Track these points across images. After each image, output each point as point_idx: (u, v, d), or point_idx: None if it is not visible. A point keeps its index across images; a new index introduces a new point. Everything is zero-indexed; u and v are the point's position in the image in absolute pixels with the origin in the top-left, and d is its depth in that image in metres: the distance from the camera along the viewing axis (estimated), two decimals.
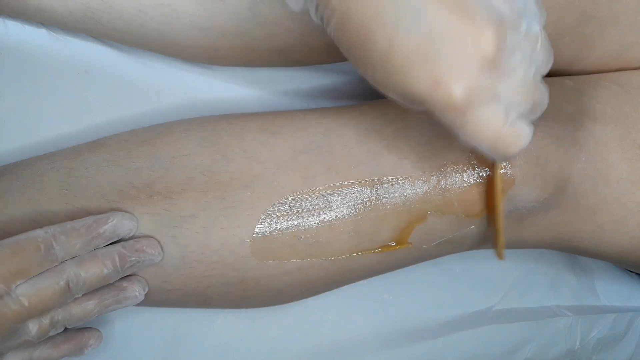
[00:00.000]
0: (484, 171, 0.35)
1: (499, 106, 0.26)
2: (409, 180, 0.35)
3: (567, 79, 0.40)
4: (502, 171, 0.35)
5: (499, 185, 0.35)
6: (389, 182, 0.35)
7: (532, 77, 0.27)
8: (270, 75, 0.47)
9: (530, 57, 0.27)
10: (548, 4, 0.37)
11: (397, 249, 0.37)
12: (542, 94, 0.28)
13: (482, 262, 0.49)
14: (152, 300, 0.37)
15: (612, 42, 0.40)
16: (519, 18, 0.26)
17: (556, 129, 0.36)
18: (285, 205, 0.35)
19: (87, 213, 0.34)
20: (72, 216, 0.34)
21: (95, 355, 0.42)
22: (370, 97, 0.42)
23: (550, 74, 0.41)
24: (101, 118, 0.44)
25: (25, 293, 0.30)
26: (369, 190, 0.35)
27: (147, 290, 0.35)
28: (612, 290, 0.52)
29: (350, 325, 0.46)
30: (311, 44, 0.40)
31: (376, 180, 0.35)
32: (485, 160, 0.35)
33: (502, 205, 0.35)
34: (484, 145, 0.27)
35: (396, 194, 0.35)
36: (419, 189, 0.35)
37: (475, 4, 0.25)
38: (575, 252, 0.42)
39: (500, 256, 0.37)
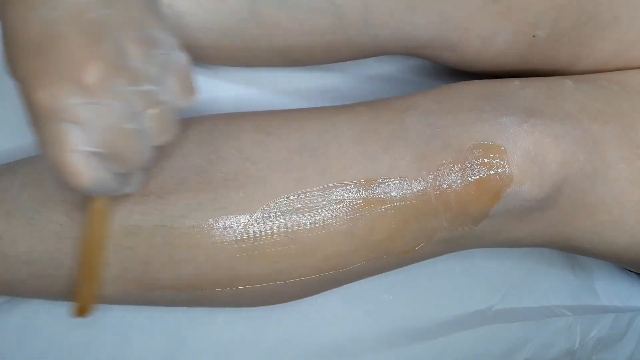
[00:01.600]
0: (483, 171, 0.35)
1: (75, 132, 0.27)
2: (405, 180, 0.35)
3: (566, 78, 0.40)
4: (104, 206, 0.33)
5: (97, 218, 0.33)
6: (385, 182, 0.35)
7: (125, 128, 0.28)
8: (270, 75, 0.47)
9: (137, 115, 0.28)
10: (548, 4, 0.37)
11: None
12: (131, 151, 0.29)
13: (482, 262, 0.49)
14: (147, 299, 0.37)
15: (612, 42, 0.40)
16: (144, 79, 0.28)
17: (555, 128, 0.36)
18: (278, 205, 0.35)
19: (82, 211, 0.34)
20: (71, 214, 0.34)
21: (95, 355, 0.42)
22: (368, 97, 0.42)
23: (550, 74, 0.42)
24: None
25: None
26: (363, 190, 0.35)
27: None
28: (612, 290, 0.52)
29: (350, 325, 0.46)
30: (311, 44, 0.40)
31: (371, 180, 0.35)
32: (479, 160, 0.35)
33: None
34: (51, 162, 0.28)
35: (392, 194, 0.35)
36: (416, 189, 0.35)
37: (108, 37, 0.27)
38: (574, 251, 0.42)
39: (79, 312, 0.34)
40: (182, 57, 0.30)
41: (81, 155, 0.27)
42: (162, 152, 0.35)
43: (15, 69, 0.27)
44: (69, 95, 0.26)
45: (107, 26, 0.27)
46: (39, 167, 0.37)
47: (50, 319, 0.42)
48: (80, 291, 0.34)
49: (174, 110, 0.30)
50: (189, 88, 0.31)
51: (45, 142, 0.27)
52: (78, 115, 0.26)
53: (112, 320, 0.43)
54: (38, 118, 0.27)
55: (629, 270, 0.52)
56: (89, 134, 0.27)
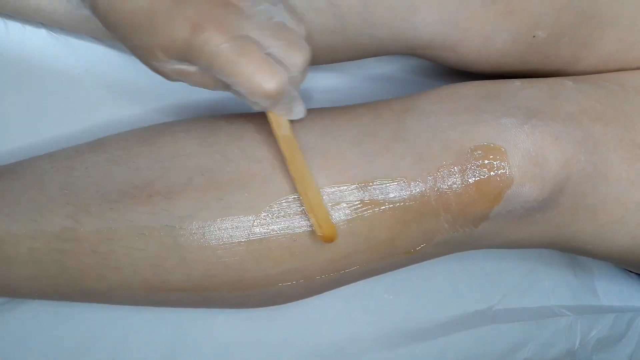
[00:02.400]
0: (483, 173, 0.35)
1: (249, 42, 0.30)
2: (404, 181, 0.35)
3: (566, 78, 0.40)
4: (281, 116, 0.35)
5: (287, 145, 0.34)
6: (384, 183, 0.35)
7: (278, 20, 0.32)
8: None
9: (277, 10, 0.32)
10: (548, 4, 0.37)
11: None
12: (295, 38, 0.32)
13: (482, 262, 0.49)
14: (152, 300, 0.37)
15: (612, 42, 0.40)
16: None
17: (555, 128, 0.36)
18: (281, 206, 0.35)
19: (88, 213, 0.34)
20: (73, 216, 0.34)
21: (95, 355, 0.42)
22: (368, 98, 0.42)
23: (550, 74, 0.41)
24: (101, 118, 0.44)
25: None
26: (364, 191, 0.35)
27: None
28: (612, 290, 0.52)
29: (350, 325, 0.46)
30: (311, 44, 0.40)
31: (370, 182, 0.35)
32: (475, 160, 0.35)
33: (296, 153, 0.34)
34: (242, 81, 0.30)
35: (391, 195, 0.35)
36: (415, 190, 0.35)
37: None
38: (575, 252, 0.42)
39: (324, 238, 0.34)
40: None
41: (264, 58, 0.30)
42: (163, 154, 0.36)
43: (164, 41, 0.30)
44: (224, 17, 0.30)
45: None
46: (40, 168, 0.37)
47: (50, 319, 0.42)
48: (315, 219, 0.34)
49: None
50: None
51: (232, 68, 0.30)
52: (241, 27, 0.30)
53: (112, 320, 0.43)
54: (212, 52, 0.30)
55: (629, 271, 0.52)
56: (261, 41, 0.30)
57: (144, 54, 0.32)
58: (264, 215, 0.34)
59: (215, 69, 0.30)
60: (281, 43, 0.31)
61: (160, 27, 0.30)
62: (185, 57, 0.31)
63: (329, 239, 0.34)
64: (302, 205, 0.34)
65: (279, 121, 0.34)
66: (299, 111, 0.35)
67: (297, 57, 0.32)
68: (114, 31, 0.32)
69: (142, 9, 0.30)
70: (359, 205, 0.35)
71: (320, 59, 0.42)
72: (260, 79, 0.30)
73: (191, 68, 0.32)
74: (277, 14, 0.32)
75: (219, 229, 0.34)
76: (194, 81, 0.33)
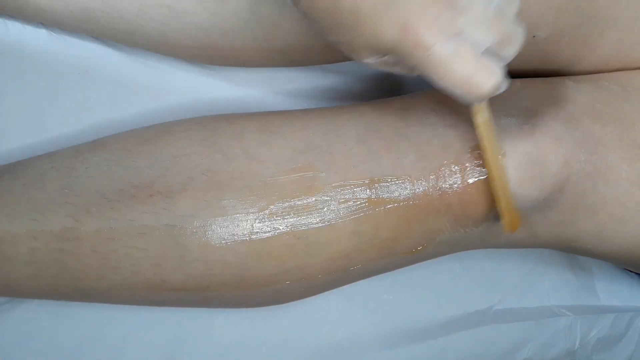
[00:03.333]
0: (483, 172, 0.35)
1: (464, 42, 0.28)
2: (408, 180, 0.35)
3: (566, 78, 0.40)
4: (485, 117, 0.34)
5: (486, 130, 0.34)
6: (389, 181, 0.35)
7: (493, 10, 0.28)
8: (270, 75, 0.47)
9: None
10: (548, 4, 0.37)
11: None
12: (509, 28, 0.29)
13: (482, 262, 0.49)
14: (153, 300, 0.37)
15: (612, 42, 0.40)
16: None
17: (555, 128, 0.36)
18: (284, 204, 0.35)
19: (88, 213, 0.34)
20: (73, 216, 0.34)
21: (95, 355, 0.42)
22: (370, 97, 0.42)
23: (550, 74, 0.41)
24: (101, 118, 0.44)
25: None
26: (368, 190, 0.35)
27: None
28: (612, 290, 0.52)
29: (350, 325, 0.47)
30: (311, 44, 0.40)
31: (376, 180, 0.35)
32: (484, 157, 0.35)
33: (497, 158, 0.34)
34: (456, 84, 0.28)
35: (395, 194, 0.35)
36: (419, 188, 0.35)
37: None
38: (575, 252, 0.42)
39: (509, 226, 0.35)
40: None
41: (478, 59, 0.28)
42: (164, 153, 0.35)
43: (379, 31, 0.28)
44: (438, 15, 0.27)
45: None
46: (40, 168, 0.37)
47: (50, 319, 0.42)
48: (504, 207, 0.35)
49: None
50: None
51: (445, 70, 0.28)
52: (456, 26, 0.28)
53: (112, 320, 0.43)
54: (425, 54, 0.28)
55: (629, 270, 0.52)
56: (472, 36, 0.28)
57: (347, 50, 0.31)
58: (266, 215, 0.34)
59: (426, 71, 0.29)
60: (496, 37, 0.29)
61: (366, 27, 0.28)
62: (393, 53, 0.29)
63: (513, 228, 0.35)
64: (344, 202, 0.35)
65: (482, 106, 0.33)
66: (505, 84, 0.31)
67: (512, 49, 0.29)
68: (315, 25, 0.30)
69: (346, 6, 0.28)
70: (365, 203, 0.35)
71: (321, 59, 0.42)
72: (476, 83, 0.28)
73: (398, 62, 0.30)
74: None
75: (220, 228, 0.34)
76: (397, 71, 0.32)
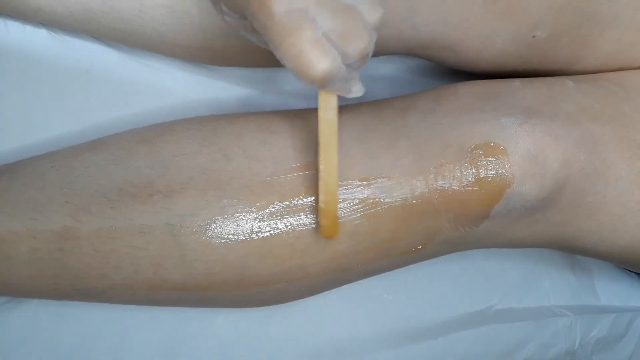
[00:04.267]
0: (483, 172, 0.35)
1: (307, 18, 0.27)
2: (406, 180, 0.35)
3: (566, 78, 0.40)
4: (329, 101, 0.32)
5: (327, 128, 0.32)
6: (387, 182, 0.35)
7: (344, 4, 0.28)
8: (270, 75, 0.47)
9: None
10: (547, 4, 0.37)
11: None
12: (359, 26, 0.28)
13: (482, 262, 0.49)
14: (153, 299, 0.37)
15: (612, 42, 0.40)
16: None
17: (555, 128, 0.36)
18: (284, 204, 0.35)
19: (88, 212, 0.34)
20: (73, 215, 0.34)
21: (95, 355, 0.42)
22: (368, 97, 0.42)
23: (550, 74, 0.42)
24: (101, 118, 0.44)
25: None
26: (366, 189, 0.35)
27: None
28: (612, 290, 0.52)
29: (350, 325, 0.47)
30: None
31: (374, 179, 0.35)
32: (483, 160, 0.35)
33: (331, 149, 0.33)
34: (289, 57, 0.28)
35: (394, 194, 0.35)
36: (418, 188, 0.35)
37: None
38: (575, 251, 0.42)
39: (326, 232, 0.34)
40: None
41: (316, 41, 0.27)
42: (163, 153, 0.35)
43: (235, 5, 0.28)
44: None
45: None
46: (40, 167, 0.37)
47: (50, 319, 0.42)
48: (324, 210, 0.34)
49: None
50: None
51: (282, 34, 0.27)
52: (304, 4, 0.27)
53: (112, 320, 0.43)
54: (276, 27, 0.27)
55: (629, 270, 0.52)
56: (318, 19, 0.27)
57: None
58: (266, 214, 0.34)
59: (267, 37, 0.28)
60: (339, 27, 0.28)
61: None
62: (244, 16, 0.29)
63: (332, 235, 0.34)
64: (343, 202, 0.34)
65: (328, 102, 0.32)
66: (356, 90, 0.31)
67: (351, 48, 0.29)
68: None
69: None
70: (363, 204, 0.35)
71: None
72: (307, 61, 0.27)
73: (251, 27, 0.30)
74: None
75: (220, 227, 0.34)
76: (255, 40, 0.31)
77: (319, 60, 0.27)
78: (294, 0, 0.27)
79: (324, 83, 0.28)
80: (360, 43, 0.29)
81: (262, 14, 0.27)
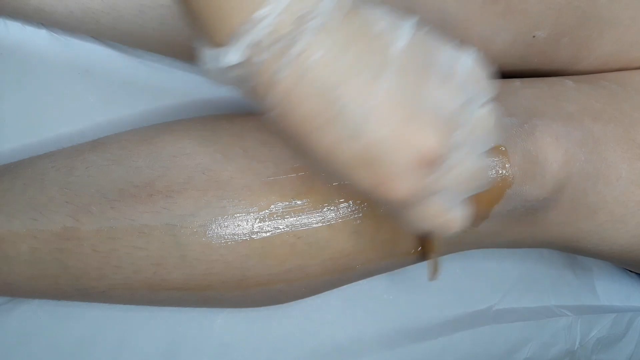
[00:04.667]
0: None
1: (440, 198, 0.27)
2: None
3: (566, 78, 0.40)
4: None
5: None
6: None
7: (478, 163, 0.27)
8: None
9: (478, 141, 0.27)
10: (547, 4, 0.37)
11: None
12: (488, 176, 0.29)
13: (482, 262, 0.49)
14: (153, 299, 0.37)
15: (612, 42, 0.40)
16: (465, 111, 0.26)
17: (556, 128, 0.36)
18: (284, 204, 0.35)
19: (88, 212, 0.34)
20: (74, 215, 0.34)
21: (95, 355, 0.42)
22: None
23: (550, 74, 0.41)
24: (101, 118, 0.44)
25: None
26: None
27: None
28: (612, 290, 0.52)
29: (350, 325, 0.46)
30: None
31: None
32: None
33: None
34: (427, 228, 0.28)
35: None
36: None
37: (419, 108, 0.25)
38: (575, 251, 0.42)
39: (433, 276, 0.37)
40: (470, 56, 0.27)
41: (453, 209, 0.28)
42: (164, 153, 0.35)
43: (354, 183, 0.26)
44: (420, 180, 0.25)
45: (406, 101, 0.24)
46: (41, 167, 0.37)
47: (50, 319, 0.42)
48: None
49: (490, 108, 0.28)
50: (485, 81, 0.28)
51: (418, 221, 0.28)
52: (435, 188, 0.26)
53: (112, 320, 0.43)
54: (402, 209, 0.27)
55: (629, 270, 0.52)
56: (451, 191, 0.27)
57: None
58: (267, 214, 0.34)
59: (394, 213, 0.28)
60: (471, 192, 0.28)
61: (342, 173, 0.26)
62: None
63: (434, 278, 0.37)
64: (344, 202, 0.35)
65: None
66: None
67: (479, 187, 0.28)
68: (283, 134, 0.27)
69: (326, 150, 0.25)
70: (365, 203, 0.35)
71: None
72: (442, 231, 0.28)
73: None
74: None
75: (220, 228, 0.34)
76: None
77: (455, 227, 0.28)
78: (419, 184, 0.25)
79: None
80: (485, 180, 0.29)
81: (382, 196, 0.26)
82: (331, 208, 0.35)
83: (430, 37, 0.26)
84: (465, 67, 0.26)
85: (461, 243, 0.39)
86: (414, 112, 0.24)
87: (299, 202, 0.35)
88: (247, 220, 0.34)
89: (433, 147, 0.25)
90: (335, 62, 0.24)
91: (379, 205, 0.28)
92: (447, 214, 0.27)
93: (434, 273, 0.37)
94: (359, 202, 0.35)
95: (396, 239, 0.36)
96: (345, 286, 0.40)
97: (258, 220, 0.34)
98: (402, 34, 0.25)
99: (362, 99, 0.24)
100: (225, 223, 0.34)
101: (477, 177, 0.28)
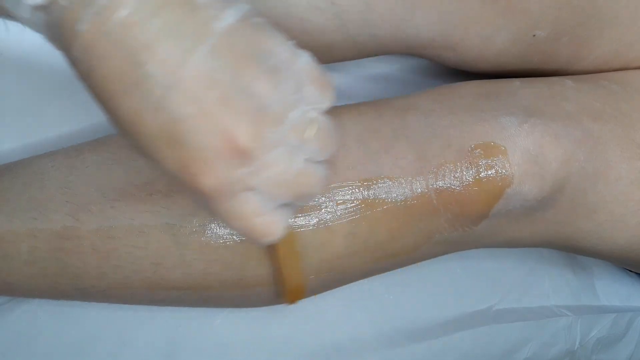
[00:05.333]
0: (483, 171, 0.35)
1: (252, 198, 0.25)
2: (406, 180, 0.35)
3: (566, 78, 0.40)
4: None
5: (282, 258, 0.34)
6: (386, 182, 0.35)
7: (297, 168, 0.25)
8: None
9: (297, 147, 0.25)
10: (548, 3, 0.37)
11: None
12: (311, 182, 0.26)
13: (482, 262, 0.49)
14: (152, 298, 0.37)
15: (612, 42, 0.40)
16: (286, 109, 0.24)
17: (555, 127, 0.36)
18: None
19: (88, 211, 0.34)
20: (73, 214, 0.34)
21: (95, 355, 0.42)
22: (370, 97, 0.42)
23: (549, 73, 0.42)
24: (101, 118, 0.44)
25: None
26: (366, 190, 0.35)
27: None
28: (612, 290, 0.52)
29: (350, 325, 0.46)
30: (311, 44, 0.40)
31: (373, 180, 0.35)
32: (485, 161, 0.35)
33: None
34: (240, 232, 0.26)
35: (393, 194, 0.35)
36: (417, 189, 0.35)
37: (236, 93, 0.23)
38: (575, 251, 0.42)
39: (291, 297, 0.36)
40: (306, 58, 0.26)
41: (267, 215, 0.26)
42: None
43: (159, 162, 0.24)
44: (226, 171, 0.24)
45: (224, 81, 0.23)
46: (41, 167, 0.37)
47: (50, 319, 0.42)
48: (286, 285, 0.35)
49: (326, 117, 0.27)
50: (327, 86, 0.26)
51: (229, 219, 0.26)
52: (245, 182, 0.24)
53: (112, 320, 0.43)
54: (211, 201, 0.25)
55: (629, 270, 0.52)
56: (265, 193, 0.25)
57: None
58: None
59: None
60: (287, 199, 0.26)
61: (147, 147, 0.24)
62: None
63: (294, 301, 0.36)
64: (342, 203, 0.35)
65: None
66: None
67: (306, 200, 0.27)
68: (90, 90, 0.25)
69: (128, 117, 0.23)
70: (362, 205, 0.35)
71: (320, 58, 0.42)
72: (255, 236, 0.26)
73: None
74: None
75: (219, 227, 0.34)
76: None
77: (270, 235, 0.26)
78: (227, 176, 0.24)
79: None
80: (315, 192, 0.27)
81: (191, 187, 0.24)
82: (328, 209, 0.35)
83: (265, 28, 0.25)
84: (305, 67, 0.25)
85: (461, 243, 0.39)
86: (229, 96, 0.23)
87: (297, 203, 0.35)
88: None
89: (245, 137, 0.23)
90: (144, 24, 0.22)
91: (189, 194, 0.25)
92: (261, 217, 0.25)
93: (288, 294, 0.35)
94: (356, 203, 0.35)
95: (395, 239, 0.36)
96: (345, 286, 0.40)
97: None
98: (230, 13, 0.23)
99: (170, 68, 0.22)
100: (224, 223, 0.34)
101: (294, 185, 0.26)
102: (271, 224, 0.26)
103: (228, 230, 0.34)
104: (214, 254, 0.34)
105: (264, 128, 0.24)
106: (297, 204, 0.27)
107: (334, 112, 0.38)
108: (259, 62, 0.24)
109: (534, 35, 0.39)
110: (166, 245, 0.34)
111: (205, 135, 0.23)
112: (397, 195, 0.35)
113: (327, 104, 0.26)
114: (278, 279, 0.35)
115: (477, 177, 0.35)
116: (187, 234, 0.34)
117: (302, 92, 0.25)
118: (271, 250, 0.34)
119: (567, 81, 0.39)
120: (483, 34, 0.39)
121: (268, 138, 0.24)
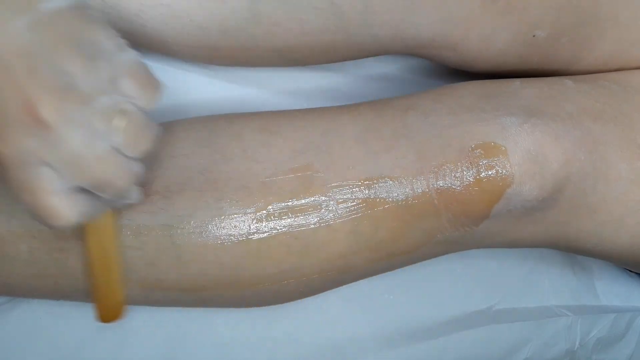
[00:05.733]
0: (483, 171, 0.35)
1: (47, 174, 0.25)
2: (407, 180, 0.35)
3: (566, 78, 0.40)
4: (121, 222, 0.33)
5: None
6: (387, 182, 0.35)
7: (97, 153, 0.26)
8: (270, 75, 0.47)
9: (104, 133, 0.26)
10: (548, 4, 0.37)
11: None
12: (111, 171, 0.27)
13: (482, 262, 0.49)
14: (150, 299, 0.37)
15: (612, 42, 0.40)
16: (96, 93, 0.26)
17: (555, 127, 0.36)
18: (282, 205, 0.35)
19: None
20: None
21: (95, 355, 0.42)
22: (370, 97, 0.42)
23: (550, 74, 0.42)
24: None
25: None
26: (366, 190, 0.35)
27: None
28: (612, 290, 0.52)
29: (350, 325, 0.46)
30: (311, 44, 0.40)
31: (374, 180, 0.35)
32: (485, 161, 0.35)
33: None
34: (29, 209, 0.26)
35: (394, 194, 0.35)
36: (417, 189, 0.35)
37: (46, 67, 0.24)
38: (575, 251, 0.42)
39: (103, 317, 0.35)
40: (131, 55, 0.28)
41: (60, 195, 0.26)
42: (153, 160, 0.34)
43: None
44: (23, 138, 0.24)
45: (37, 54, 0.25)
46: None
47: (50, 319, 0.42)
48: (100, 300, 0.34)
49: (142, 114, 0.28)
50: (149, 85, 0.28)
51: (19, 190, 0.26)
52: (41, 155, 0.25)
53: None
54: (7, 170, 0.25)
55: (629, 270, 0.52)
56: (60, 170, 0.25)
57: None
58: (263, 215, 0.34)
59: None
60: (84, 183, 0.26)
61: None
62: None
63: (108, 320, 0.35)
64: (343, 202, 0.34)
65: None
66: (133, 198, 0.31)
67: (107, 193, 0.27)
68: None
69: None
70: (364, 204, 0.35)
71: (320, 59, 0.42)
72: (42, 215, 0.26)
73: None
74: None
75: (217, 229, 0.34)
76: None
77: (57, 219, 0.26)
78: (21, 143, 0.24)
79: (82, 223, 0.27)
80: (119, 185, 0.27)
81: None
82: (329, 209, 0.35)
83: (95, 21, 0.27)
84: (127, 62, 0.27)
85: (462, 243, 0.39)
86: (38, 68, 0.24)
87: (297, 203, 0.35)
88: (245, 221, 0.34)
89: (45, 109, 0.24)
90: None
91: None
92: (53, 197, 0.26)
93: (99, 310, 0.34)
94: (357, 202, 0.35)
95: (396, 239, 0.36)
96: (345, 286, 0.40)
97: (255, 221, 0.34)
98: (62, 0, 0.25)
99: None
100: (222, 224, 0.34)
101: (91, 170, 0.26)
102: (63, 207, 0.26)
103: (225, 232, 0.34)
104: (210, 255, 0.34)
105: (68, 104, 0.25)
106: (100, 194, 0.27)
107: (334, 112, 0.39)
108: (78, 46, 0.26)
109: (534, 36, 0.39)
110: (162, 246, 0.34)
111: (7, 101, 0.24)
112: (398, 194, 0.35)
113: (146, 101, 0.27)
114: (90, 289, 0.34)
115: (477, 177, 0.35)
116: (185, 235, 0.34)
117: (118, 83, 0.26)
118: (85, 255, 0.33)
119: (568, 81, 0.39)
120: (483, 34, 0.39)
121: (70, 115, 0.25)
